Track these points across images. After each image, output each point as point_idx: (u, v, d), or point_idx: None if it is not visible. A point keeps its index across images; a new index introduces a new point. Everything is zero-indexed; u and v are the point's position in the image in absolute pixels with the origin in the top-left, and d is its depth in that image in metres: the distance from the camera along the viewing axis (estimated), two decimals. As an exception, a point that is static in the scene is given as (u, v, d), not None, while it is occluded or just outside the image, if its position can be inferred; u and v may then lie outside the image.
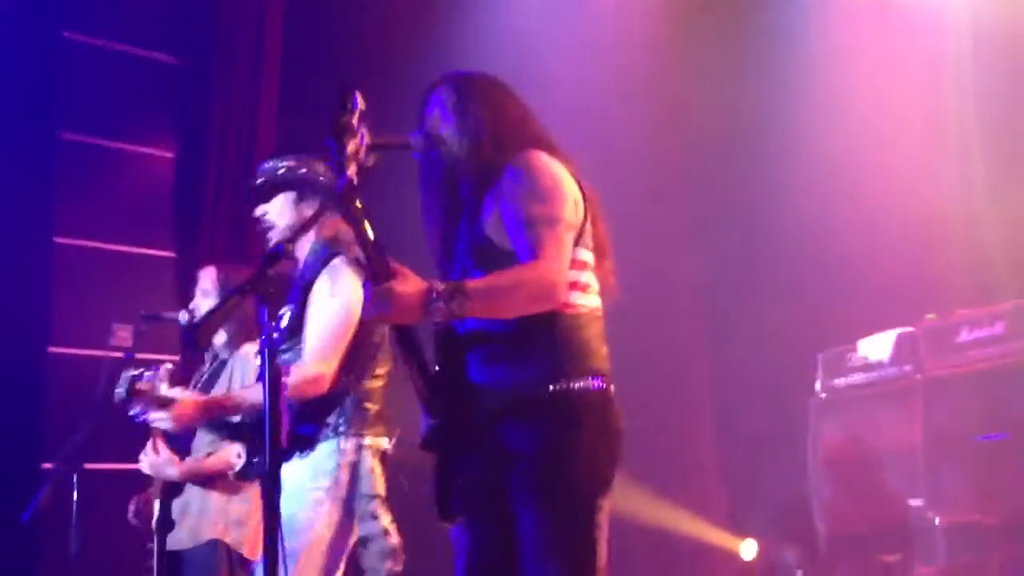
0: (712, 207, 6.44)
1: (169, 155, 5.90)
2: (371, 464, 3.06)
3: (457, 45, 5.66)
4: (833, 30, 5.87)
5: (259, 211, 3.26)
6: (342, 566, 3.05)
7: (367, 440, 3.08)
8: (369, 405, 3.12)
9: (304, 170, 3.26)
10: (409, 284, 2.23)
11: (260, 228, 3.28)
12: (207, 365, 4.07)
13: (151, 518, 4.02)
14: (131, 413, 3.14)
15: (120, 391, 3.12)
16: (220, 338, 3.93)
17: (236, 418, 3.30)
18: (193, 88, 5.93)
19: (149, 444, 3.81)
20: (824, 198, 5.74)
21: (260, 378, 3.16)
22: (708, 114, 6.12)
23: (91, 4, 5.70)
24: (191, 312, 3.92)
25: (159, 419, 3.09)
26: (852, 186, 5.67)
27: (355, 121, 2.36)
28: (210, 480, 3.80)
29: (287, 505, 2.97)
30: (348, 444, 3.05)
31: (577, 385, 2.35)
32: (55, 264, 5.40)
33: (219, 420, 3.28)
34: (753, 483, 6.36)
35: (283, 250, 2.46)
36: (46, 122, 5.49)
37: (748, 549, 5.72)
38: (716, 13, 6.19)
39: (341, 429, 3.05)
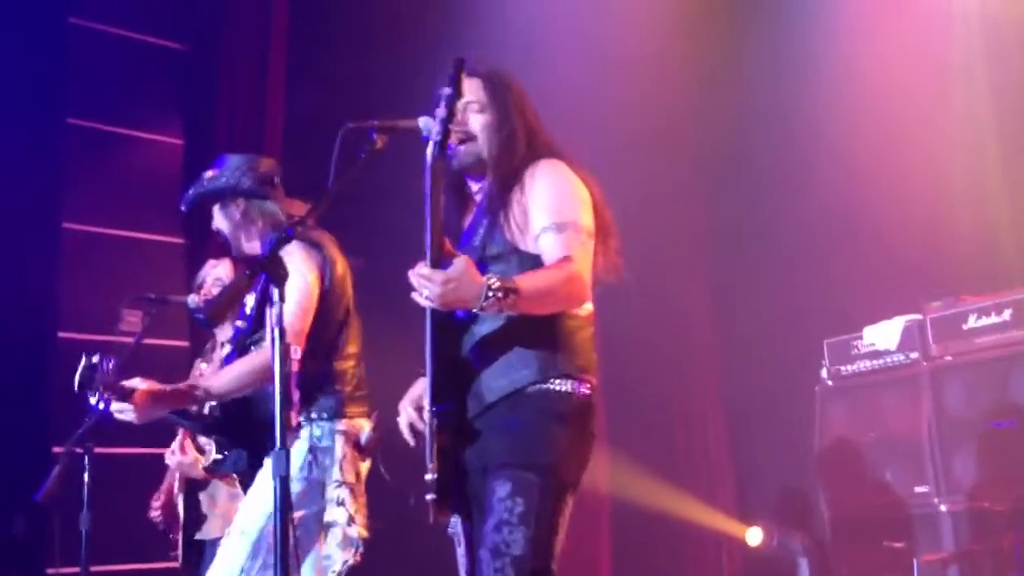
0: (721, 193, 6.43)
1: (177, 141, 5.92)
2: (344, 451, 3.03)
3: (464, 31, 5.65)
4: (843, 15, 5.84)
5: (215, 227, 3.38)
6: (311, 553, 3.01)
7: (340, 426, 3.06)
8: (340, 388, 3.10)
9: (213, 176, 3.34)
10: (468, 278, 2.29)
11: (222, 240, 3.42)
12: (215, 352, 4.08)
13: (175, 511, 4.06)
14: (92, 402, 3.01)
15: (80, 378, 3.00)
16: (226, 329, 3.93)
17: (205, 410, 3.26)
18: (201, 74, 5.94)
19: (176, 443, 3.83)
20: (831, 185, 5.72)
21: (225, 363, 3.19)
22: (720, 95, 6.11)
23: (97, -10, 5.71)
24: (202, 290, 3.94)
25: (122, 411, 2.97)
26: (860, 173, 5.64)
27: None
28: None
29: (259, 491, 3.01)
30: (320, 430, 3.04)
31: (568, 386, 2.48)
32: (63, 249, 5.42)
33: (186, 411, 3.19)
34: (759, 470, 6.37)
35: (294, 233, 2.49)
36: (54, 108, 5.50)
37: (754, 536, 5.72)
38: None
39: (313, 416, 3.05)
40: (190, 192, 3.37)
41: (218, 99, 5.87)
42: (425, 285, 2.29)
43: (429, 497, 2.45)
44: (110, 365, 3.01)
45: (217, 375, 3.16)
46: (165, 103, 5.94)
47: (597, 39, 6.02)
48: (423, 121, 2.61)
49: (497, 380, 2.46)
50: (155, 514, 4.18)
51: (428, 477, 2.46)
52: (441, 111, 2.42)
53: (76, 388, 3.02)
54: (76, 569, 3.39)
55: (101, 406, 3.00)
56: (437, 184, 2.41)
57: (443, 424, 2.45)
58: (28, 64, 5.38)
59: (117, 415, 2.98)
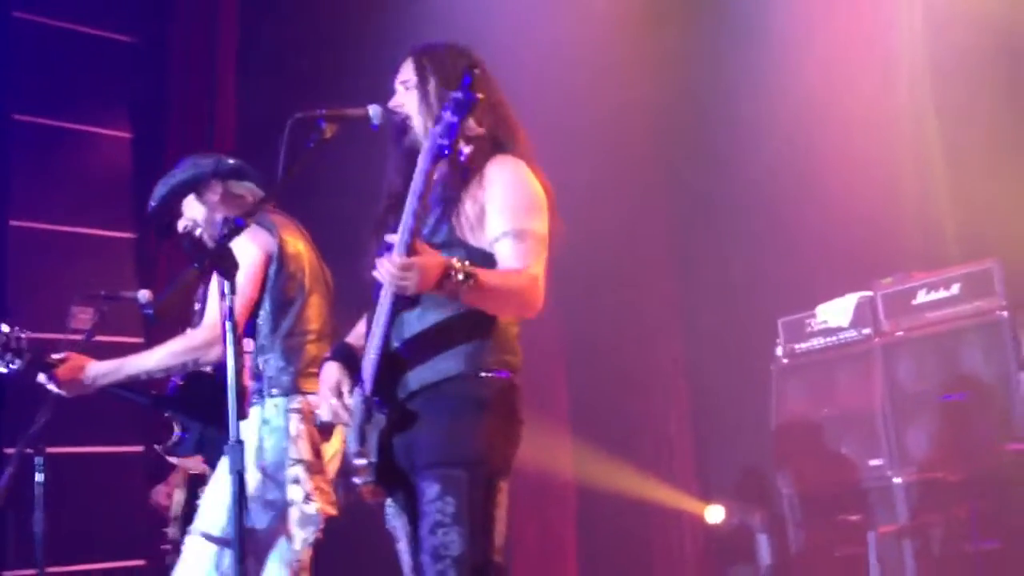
0: (678, 181, 6.47)
1: (126, 135, 5.83)
2: (298, 428, 3.02)
3: (415, 21, 5.62)
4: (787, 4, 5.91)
5: (182, 226, 3.30)
6: (284, 530, 3.02)
7: (294, 403, 3.05)
8: (293, 365, 3.09)
9: (183, 170, 3.31)
10: (432, 257, 2.27)
11: (191, 238, 3.32)
12: None
13: (170, 507, 4.03)
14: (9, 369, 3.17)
15: None
16: None
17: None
18: (149, 67, 5.86)
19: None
20: (780, 168, 5.78)
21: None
22: (672, 83, 6.13)
23: (41, -17, 5.61)
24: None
25: (47, 382, 3.10)
26: (808, 155, 5.71)
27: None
28: None
29: (215, 490, 3.02)
30: (270, 410, 3.04)
31: (488, 374, 2.46)
32: (11, 247, 5.33)
33: (133, 387, 3.26)
34: (719, 449, 6.44)
35: (244, 223, 2.47)
36: (-2, 104, 5.41)
37: (714, 513, 5.79)
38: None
39: (265, 393, 3.05)
40: (161, 189, 3.31)
41: (167, 92, 5.80)
42: (391, 272, 2.25)
43: (358, 480, 2.45)
44: (23, 335, 3.19)
45: (144, 354, 3.17)
46: (113, 97, 5.85)
47: (545, 31, 6.02)
48: (372, 109, 2.61)
49: (424, 371, 2.45)
50: (155, 499, 4.15)
51: (357, 462, 2.45)
52: (450, 116, 2.30)
53: None
54: (32, 572, 3.36)
55: (2, 370, 3.16)
56: (428, 188, 2.34)
57: (374, 412, 2.44)
58: (-30, 60, 5.28)
59: (46, 384, 3.10)
